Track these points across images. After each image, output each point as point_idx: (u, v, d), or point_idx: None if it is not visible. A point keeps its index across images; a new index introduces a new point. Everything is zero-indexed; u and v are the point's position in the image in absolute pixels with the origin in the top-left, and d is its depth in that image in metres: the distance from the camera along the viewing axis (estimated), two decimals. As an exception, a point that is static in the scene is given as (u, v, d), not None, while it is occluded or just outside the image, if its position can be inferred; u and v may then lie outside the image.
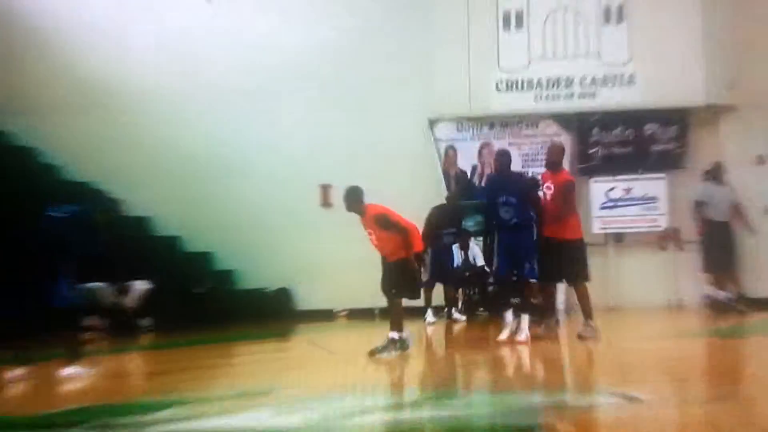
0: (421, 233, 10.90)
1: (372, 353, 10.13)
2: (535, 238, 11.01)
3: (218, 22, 17.73)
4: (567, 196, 11.25)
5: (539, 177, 11.65)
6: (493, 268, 11.71)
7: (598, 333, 11.12)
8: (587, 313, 11.22)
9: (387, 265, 10.30)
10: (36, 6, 17.97)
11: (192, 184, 17.39)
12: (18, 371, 9.48)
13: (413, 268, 10.24)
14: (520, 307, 11.14)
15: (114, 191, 16.09)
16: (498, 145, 16.73)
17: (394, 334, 10.26)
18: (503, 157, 11.33)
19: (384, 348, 10.19)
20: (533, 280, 10.97)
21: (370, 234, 10.22)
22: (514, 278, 11.13)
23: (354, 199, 10.26)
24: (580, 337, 11.12)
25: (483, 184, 16.40)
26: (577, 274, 11.34)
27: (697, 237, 14.95)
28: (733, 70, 16.30)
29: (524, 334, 10.91)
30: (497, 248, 11.27)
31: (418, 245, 10.44)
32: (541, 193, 11.28)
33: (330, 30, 17.46)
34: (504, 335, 11.00)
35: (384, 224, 10.17)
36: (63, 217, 9.69)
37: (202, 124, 17.57)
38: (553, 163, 11.52)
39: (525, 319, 10.99)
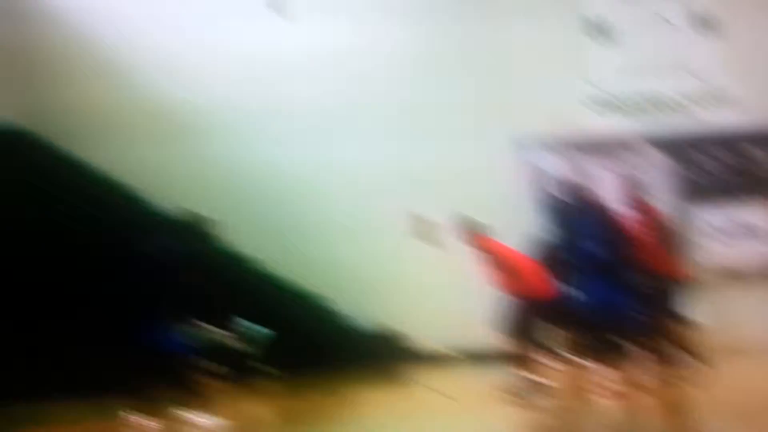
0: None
1: (511, 394, 9.68)
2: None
3: (298, 47, 17.59)
4: (660, 228, 11.20)
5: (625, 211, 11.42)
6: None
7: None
8: (682, 349, 11.10)
9: (509, 304, 9.99)
10: (113, 33, 17.98)
11: (288, 221, 17.32)
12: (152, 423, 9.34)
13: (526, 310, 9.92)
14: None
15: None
16: (591, 169, 16.35)
17: (529, 374, 9.98)
18: (578, 189, 10.85)
19: (523, 389, 9.82)
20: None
21: (488, 270, 9.88)
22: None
23: (470, 229, 10.24)
24: (673, 374, 11.06)
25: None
26: (668, 313, 11.14)
27: None
28: None
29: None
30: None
31: (538, 288, 10.05)
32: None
33: (412, 51, 17.37)
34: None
35: (495, 261, 9.83)
36: (167, 256, 9.49)
37: (290, 155, 17.52)
38: (636, 194, 11.35)
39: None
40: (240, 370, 14.29)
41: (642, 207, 11.40)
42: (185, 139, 17.73)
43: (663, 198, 15.77)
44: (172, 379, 9.97)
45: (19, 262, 14.42)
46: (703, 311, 11.74)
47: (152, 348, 9.85)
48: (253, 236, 16.88)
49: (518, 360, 10.38)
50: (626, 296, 10.92)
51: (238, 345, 14.66)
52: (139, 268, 9.95)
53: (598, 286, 10.91)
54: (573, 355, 14.68)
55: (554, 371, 13.50)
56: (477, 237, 10.35)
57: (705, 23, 16.58)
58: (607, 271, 10.96)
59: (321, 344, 15.97)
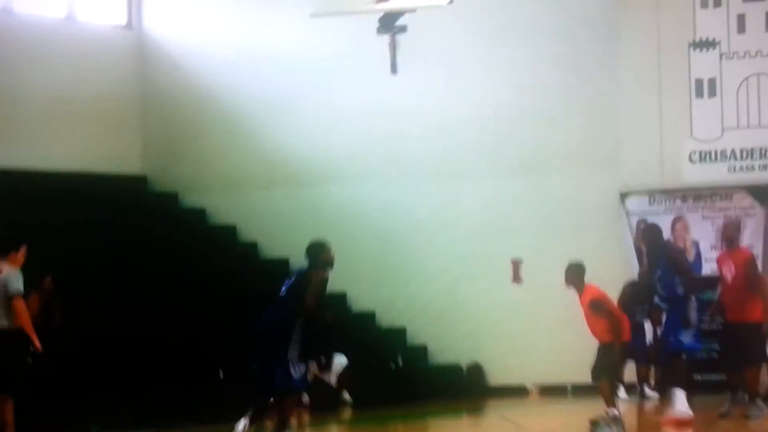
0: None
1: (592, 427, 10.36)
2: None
3: (402, 96, 18.21)
4: (751, 274, 11.34)
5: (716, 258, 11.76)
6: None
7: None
8: (753, 394, 11.35)
9: (598, 347, 10.72)
10: (221, 82, 18.91)
11: (383, 260, 18.12)
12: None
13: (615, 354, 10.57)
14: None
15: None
16: (691, 218, 16.93)
17: (613, 411, 10.65)
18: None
19: (604, 424, 10.45)
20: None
21: (588, 315, 10.73)
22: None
23: (575, 275, 10.79)
24: (746, 417, 11.31)
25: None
26: (750, 358, 11.48)
27: None
28: None
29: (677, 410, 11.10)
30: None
31: (627, 335, 10.60)
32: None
33: (515, 99, 17.83)
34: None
35: (596, 308, 10.44)
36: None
37: (389, 199, 18.36)
38: (730, 240, 11.55)
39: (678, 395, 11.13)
40: (323, 400, 15.09)
41: (735, 251, 11.62)
42: (304, 187, 18.63)
43: (756, 245, 16.26)
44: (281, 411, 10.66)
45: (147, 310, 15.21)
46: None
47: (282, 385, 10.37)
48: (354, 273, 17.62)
49: (604, 396, 10.90)
50: (696, 337, 11.36)
51: (322, 374, 15.48)
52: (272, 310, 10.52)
53: (676, 326, 11.31)
54: (649, 390, 15.19)
55: (630, 406, 14.06)
56: (582, 284, 10.94)
57: None
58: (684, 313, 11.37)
59: (407, 378, 16.59)
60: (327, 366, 15.89)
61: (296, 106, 18.72)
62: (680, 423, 11.17)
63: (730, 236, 11.76)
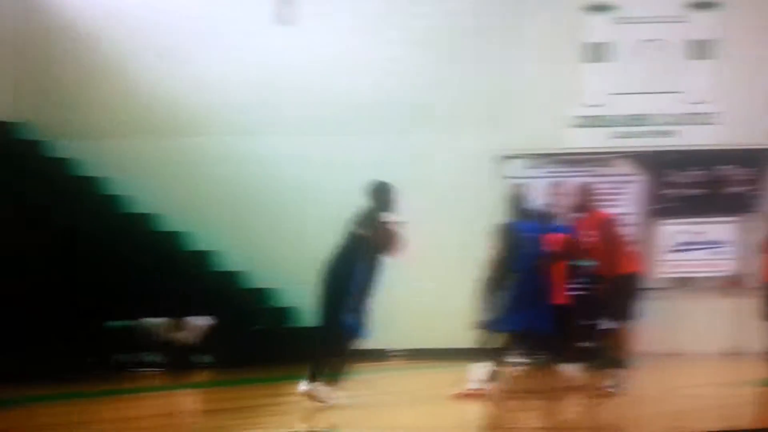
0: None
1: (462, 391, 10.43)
2: None
3: (291, 51, 18.10)
4: (612, 234, 11.40)
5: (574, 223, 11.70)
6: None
7: (622, 387, 11.06)
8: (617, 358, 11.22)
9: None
10: (98, 31, 18.58)
11: (257, 218, 17.91)
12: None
13: None
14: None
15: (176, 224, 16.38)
16: (570, 183, 16.73)
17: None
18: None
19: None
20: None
21: None
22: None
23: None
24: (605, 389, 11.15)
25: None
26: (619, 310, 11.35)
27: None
28: None
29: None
30: None
31: None
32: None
33: (402, 55, 17.76)
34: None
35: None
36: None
37: (270, 155, 18.10)
38: (584, 206, 11.56)
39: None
40: (176, 361, 14.82)
41: (582, 222, 11.62)
42: (181, 136, 18.25)
43: (632, 210, 16.57)
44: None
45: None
46: (658, 318, 11.95)
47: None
48: (223, 231, 17.54)
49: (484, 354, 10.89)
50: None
51: (175, 335, 15.19)
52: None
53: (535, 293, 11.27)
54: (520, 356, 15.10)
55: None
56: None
57: (696, 48, 16.89)
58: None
59: (273, 340, 16.44)
60: (185, 325, 15.53)
61: (183, 55, 18.37)
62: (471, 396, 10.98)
63: (581, 202, 11.65)
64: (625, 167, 17.12)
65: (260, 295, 17.73)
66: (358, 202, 17.31)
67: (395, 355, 17.50)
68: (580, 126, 17.28)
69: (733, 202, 16.80)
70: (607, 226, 11.51)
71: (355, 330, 10.28)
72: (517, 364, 14.22)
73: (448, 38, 17.74)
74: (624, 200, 16.88)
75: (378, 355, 17.08)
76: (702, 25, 17.06)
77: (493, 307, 12.94)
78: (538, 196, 16.64)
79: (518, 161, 17.41)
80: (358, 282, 10.38)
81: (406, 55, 17.79)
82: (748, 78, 16.72)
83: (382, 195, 10.79)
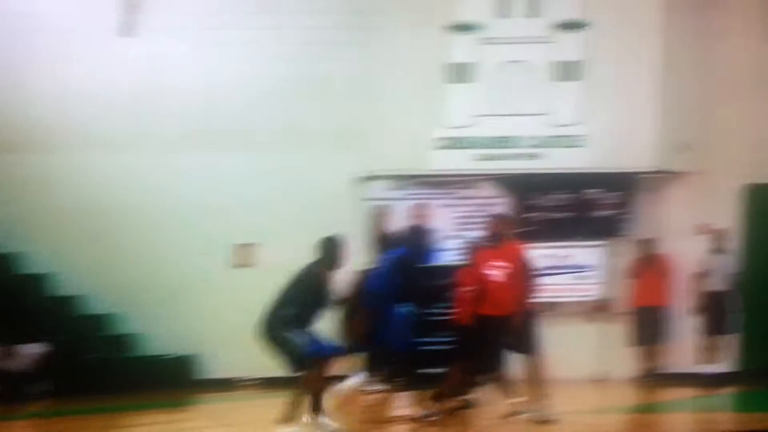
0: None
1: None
2: None
3: (143, 60, 17.45)
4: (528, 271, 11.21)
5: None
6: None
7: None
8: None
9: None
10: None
11: (97, 239, 17.16)
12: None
13: None
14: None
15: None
16: (433, 205, 16.50)
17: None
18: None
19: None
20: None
21: None
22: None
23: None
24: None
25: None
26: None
27: (695, 311, 15.77)
28: (686, 135, 16.49)
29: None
30: None
31: None
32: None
33: (256, 78, 17.31)
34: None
35: None
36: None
37: (114, 173, 17.40)
38: (500, 235, 11.31)
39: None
40: (11, 391, 14.16)
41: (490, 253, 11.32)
42: (16, 152, 17.32)
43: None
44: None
45: None
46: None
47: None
48: (58, 254, 16.75)
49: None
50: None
51: (12, 364, 14.50)
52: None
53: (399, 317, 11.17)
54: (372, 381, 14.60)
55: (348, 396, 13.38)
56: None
57: (562, 69, 16.69)
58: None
59: (112, 367, 15.88)
60: (17, 352, 14.63)
61: (25, 66, 17.42)
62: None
63: (497, 231, 11.37)
64: (489, 190, 16.87)
65: (99, 321, 16.98)
66: (208, 223, 16.89)
67: (245, 384, 16.80)
68: (445, 148, 16.94)
69: (600, 226, 16.64)
70: (520, 258, 11.25)
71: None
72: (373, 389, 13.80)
73: (309, 56, 17.29)
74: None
75: (226, 384, 16.50)
76: (568, 46, 16.90)
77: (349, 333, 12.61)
78: (401, 218, 16.54)
79: (381, 183, 17.03)
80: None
81: (266, 72, 17.32)
82: (614, 100, 16.60)
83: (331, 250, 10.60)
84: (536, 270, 11.50)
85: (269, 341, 10.13)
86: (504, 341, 11.15)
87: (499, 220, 11.65)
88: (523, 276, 11.14)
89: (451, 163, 16.85)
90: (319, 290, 10.22)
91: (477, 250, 11.45)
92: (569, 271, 16.45)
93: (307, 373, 9.96)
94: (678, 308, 16.12)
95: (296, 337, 10.02)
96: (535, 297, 11.28)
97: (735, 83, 16.51)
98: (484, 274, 11.10)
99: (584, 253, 16.47)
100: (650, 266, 16.04)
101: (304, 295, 10.18)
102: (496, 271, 11.08)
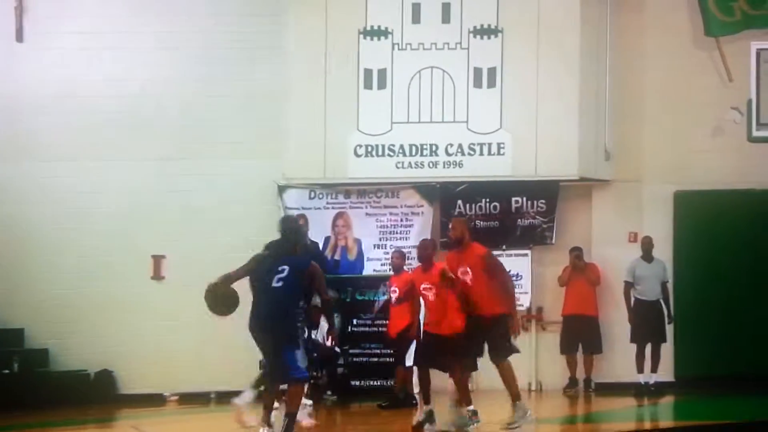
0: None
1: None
2: None
3: (32, 66, 17.06)
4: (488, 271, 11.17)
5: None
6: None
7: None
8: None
9: None
10: None
11: (6, 254, 16.84)
12: None
13: None
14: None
15: None
16: (354, 215, 16.74)
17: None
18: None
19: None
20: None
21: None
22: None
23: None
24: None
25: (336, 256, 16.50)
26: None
27: (628, 319, 15.76)
28: (610, 143, 16.61)
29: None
30: None
31: None
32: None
33: (168, 75, 17.00)
34: None
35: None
36: None
37: (12, 183, 16.97)
38: (458, 241, 11.27)
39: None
40: None
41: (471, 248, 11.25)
42: None
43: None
44: None
45: None
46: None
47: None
48: None
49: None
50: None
51: None
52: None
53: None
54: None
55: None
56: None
57: (479, 76, 16.68)
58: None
59: (25, 385, 15.53)
60: None
61: None
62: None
63: (457, 237, 11.29)
64: (412, 198, 16.80)
65: (9, 336, 16.52)
66: (120, 235, 16.43)
67: (170, 399, 16.48)
68: (363, 155, 16.69)
69: (526, 235, 16.64)
70: (483, 262, 11.13)
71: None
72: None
73: (221, 61, 17.07)
74: (412, 232, 16.59)
75: (153, 400, 16.19)
76: (485, 52, 16.77)
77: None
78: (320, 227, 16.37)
79: (298, 191, 16.88)
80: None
81: (177, 77, 17.06)
82: (535, 106, 16.50)
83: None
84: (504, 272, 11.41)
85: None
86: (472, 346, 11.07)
87: (456, 224, 11.44)
88: (490, 279, 11.04)
89: (371, 170, 16.69)
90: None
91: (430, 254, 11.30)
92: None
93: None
94: (610, 317, 16.18)
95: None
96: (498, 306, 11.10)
97: (663, 87, 16.64)
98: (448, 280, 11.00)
99: (510, 262, 16.07)
100: (579, 275, 16.07)
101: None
102: (466, 278, 11.02)
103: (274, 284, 10.04)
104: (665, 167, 16.48)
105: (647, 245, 15.91)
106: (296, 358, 10.13)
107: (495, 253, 15.80)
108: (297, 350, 10.20)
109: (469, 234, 11.36)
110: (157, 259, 16.76)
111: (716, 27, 16.60)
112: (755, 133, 15.34)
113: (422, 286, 11.12)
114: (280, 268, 10.08)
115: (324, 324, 15.03)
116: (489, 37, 16.76)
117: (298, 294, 10.42)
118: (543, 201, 16.54)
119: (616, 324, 16.11)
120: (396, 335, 13.53)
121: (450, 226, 11.60)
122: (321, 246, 16.30)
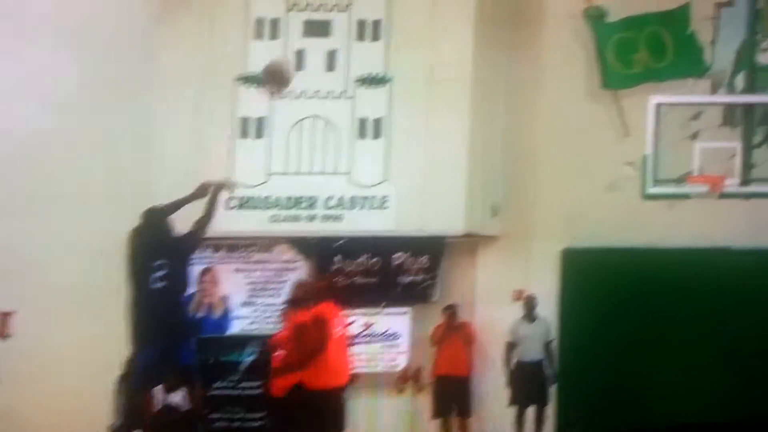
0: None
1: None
2: None
3: None
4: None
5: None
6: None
7: None
8: None
9: None
10: None
11: None
12: None
13: None
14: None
15: None
16: (223, 270, 16.35)
17: None
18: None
19: None
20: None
21: None
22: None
23: None
24: None
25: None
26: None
27: (508, 380, 15.49)
28: (499, 198, 16.45)
29: None
30: None
31: None
32: None
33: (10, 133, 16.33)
34: None
35: None
36: None
37: None
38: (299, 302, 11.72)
39: None
40: None
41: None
42: None
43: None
44: None
45: None
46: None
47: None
48: None
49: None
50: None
51: None
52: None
53: None
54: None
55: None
56: None
57: (365, 127, 16.41)
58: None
59: None
60: None
61: None
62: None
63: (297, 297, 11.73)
64: (287, 253, 16.45)
65: None
66: None
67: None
68: (235, 208, 16.10)
69: (407, 292, 16.34)
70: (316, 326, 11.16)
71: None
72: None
73: (86, 106, 16.50)
74: (285, 289, 15.89)
75: None
76: (372, 102, 16.53)
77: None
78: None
79: None
80: None
81: (28, 124, 16.36)
82: (420, 159, 16.28)
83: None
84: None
85: None
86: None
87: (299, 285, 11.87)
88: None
89: (243, 224, 16.21)
90: None
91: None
92: (374, 339, 16.07)
93: None
94: (490, 377, 15.89)
95: None
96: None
97: (556, 141, 16.41)
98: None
99: (390, 320, 16.16)
100: (453, 333, 15.80)
101: None
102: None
103: None
104: (556, 223, 16.27)
105: (529, 304, 15.67)
106: None
107: (373, 311, 15.84)
108: None
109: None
110: (4, 316, 16.07)
111: (614, 79, 16.48)
112: (650, 190, 15.19)
113: None
114: None
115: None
116: (376, 87, 16.53)
117: None
118: (427, 257, 16.30)
119: (494, 387, 15.78)
120: None
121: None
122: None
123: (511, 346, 15.48)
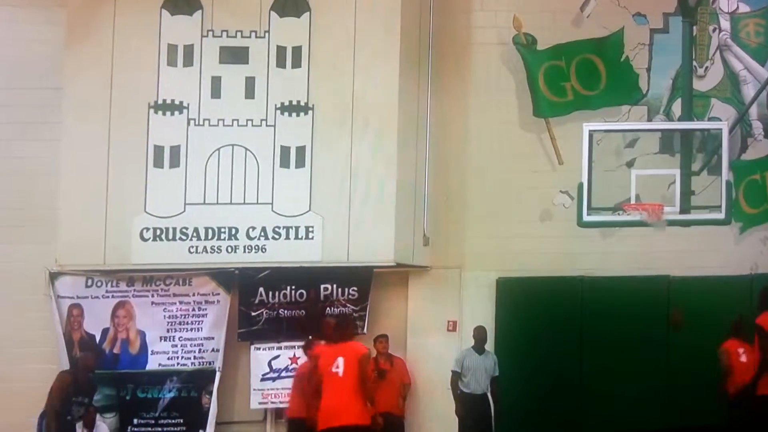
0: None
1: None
2: None
3: None
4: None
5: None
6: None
7: None
8: None
9: None
10: None
11: None
12: None
13: None
14: None
15: None
16: (139, 304, 16.13)
17: None
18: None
19: None
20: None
21: None
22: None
23: None
24: None
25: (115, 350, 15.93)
26: None
27: (455, 411, 15.28)
28: (429, 227, 16.41)
29: None
30: None
31: None
32: None
33: None
34: None
35: None
36: None
37: None
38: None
39: None
40: None
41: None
42: None
43: (218, 337, 16.04)
44: None
45: None
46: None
47: None
48: None
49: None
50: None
51: None
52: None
53: None
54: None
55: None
56: None
57: (287, 155, 16.26)
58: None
59: None
60: None
61: None
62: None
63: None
64: (206, 286, 16.21)
65: None
66: None
67: None
68: (152, 239, 16.03)
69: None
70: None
71: None
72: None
73: None
74: (205, 323, 16.09)
75: None
76: (295, 130, 16.45)
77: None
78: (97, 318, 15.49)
79: (73, 278, 16.13)
80: None
81: None
82: (348, 189, 16.16)
83: None
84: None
85: None
86: None
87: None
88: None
89: (159, 256, 16.04)
90: None
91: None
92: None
93: None
94: (425, 413, 15.83)
95: None
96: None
97: (487, 170, 16.51)
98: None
99: None
100: (389, 370, 15.60)
101: None
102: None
103: None
104: (488, 253, 16.36)
105: (480, 336, 15.46)
106: None
107: (298, 344, 15.61)
108: None
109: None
110: None
111: (546, 108, 16.70)
112: (586, 218, 15.28)
113: None
114: None
115: (101, 423, 14.34)
116: (298, 114, 16.45)
117: None
118: (355, 288, 16.23)
119: (430, 420, 15.78)
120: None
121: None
122: (98, 339, 15.82)
123: (457, 376, 15.29)
